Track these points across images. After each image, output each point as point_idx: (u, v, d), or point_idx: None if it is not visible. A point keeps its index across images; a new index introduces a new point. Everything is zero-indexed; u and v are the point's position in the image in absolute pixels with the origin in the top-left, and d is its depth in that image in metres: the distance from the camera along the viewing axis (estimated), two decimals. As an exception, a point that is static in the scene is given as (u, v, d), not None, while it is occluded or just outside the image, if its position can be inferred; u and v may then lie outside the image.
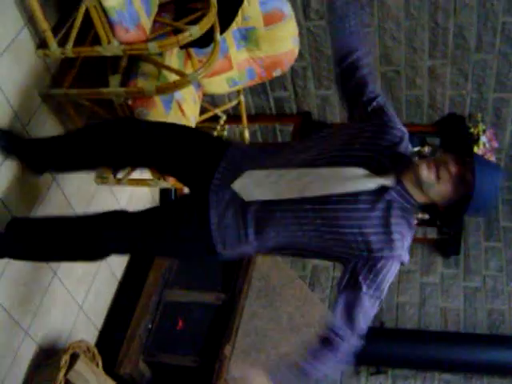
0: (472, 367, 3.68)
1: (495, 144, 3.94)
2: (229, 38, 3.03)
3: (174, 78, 2.71)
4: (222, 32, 2.72)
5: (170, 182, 3.16)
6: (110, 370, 3.03)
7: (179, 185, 3.07)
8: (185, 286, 3.49)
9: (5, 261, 2.57)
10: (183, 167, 2.29)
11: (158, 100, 2.80)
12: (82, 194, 3.14)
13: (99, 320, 3.39)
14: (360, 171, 1.93)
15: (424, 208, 2.02)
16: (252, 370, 1.98)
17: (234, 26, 2.97)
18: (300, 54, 3.41)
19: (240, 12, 2.93)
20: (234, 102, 3.80)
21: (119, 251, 2.46)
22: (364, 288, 1.95)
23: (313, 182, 1.96)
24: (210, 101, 4.02)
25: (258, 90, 4.06)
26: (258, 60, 3.15)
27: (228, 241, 2.10)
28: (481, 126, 3.88)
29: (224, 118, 3.87)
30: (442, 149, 3.37)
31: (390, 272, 1.98)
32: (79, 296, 3.20)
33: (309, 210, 1.97)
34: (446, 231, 4.09)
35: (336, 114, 4.14)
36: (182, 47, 2.77)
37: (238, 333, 3.21)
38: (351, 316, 1.97)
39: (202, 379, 3.17)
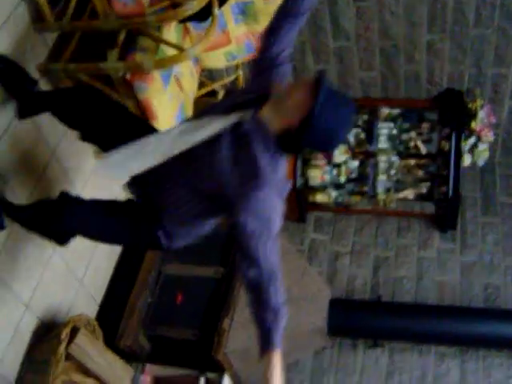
0: (468, 340, 3.71)
1: (493, 119, 3.94)
2: (227, 12, 3.02)
3: (172, 52, 2.70)
4: (220, 6, 2.71)
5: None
6: (110, 343, 3.06)
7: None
8: (184, 260, 3.50)
9: (5, 235, 2.58)
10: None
11: (156, 74, 2.79)
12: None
13: (99, 294, 3.42)
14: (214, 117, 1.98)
15: (279, 138, 1.98)
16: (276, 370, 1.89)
17: (232, 0, 2.96)
18: (298, 28, 3.39)
19: (238, -14, 2.92)
20: (233, 77, 3.79)
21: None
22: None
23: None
24: (208, 75, 4.01)
25: (256, 65, 4.03)
26: (257, 34, 3.13)
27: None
28: (479, 101, 3.88)
29: (222, 92, 3.86)
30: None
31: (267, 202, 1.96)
32: (79, 270, 3.22)
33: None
34: (441, 205, 4.09)
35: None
36: (180, 21, 2.75)
37: (236, 306, 3.24)
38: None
39: (201, 352, 3.20)
